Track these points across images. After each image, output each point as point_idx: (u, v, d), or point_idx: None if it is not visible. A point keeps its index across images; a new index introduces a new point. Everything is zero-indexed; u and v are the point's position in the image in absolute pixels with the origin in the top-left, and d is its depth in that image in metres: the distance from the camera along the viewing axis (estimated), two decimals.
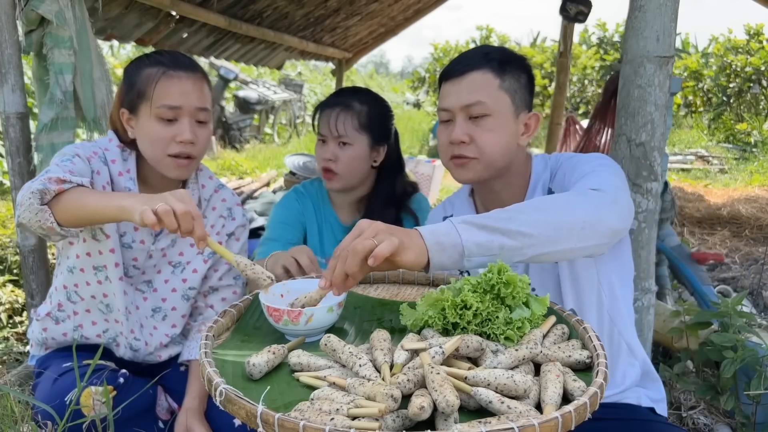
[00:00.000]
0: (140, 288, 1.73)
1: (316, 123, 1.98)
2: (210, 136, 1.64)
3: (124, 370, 1.63)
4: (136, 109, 1.57)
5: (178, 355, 1.81)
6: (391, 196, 2.03)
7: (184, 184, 1.74)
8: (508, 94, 1.44)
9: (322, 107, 1.96)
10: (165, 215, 1.18)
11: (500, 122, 1.43)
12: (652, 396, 1.50)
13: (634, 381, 1.49)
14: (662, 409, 1.50)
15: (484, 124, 1.43)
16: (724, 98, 10.98)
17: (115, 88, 2.10)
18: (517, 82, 1.45)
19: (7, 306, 2.85)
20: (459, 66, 1.45)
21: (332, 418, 0.83)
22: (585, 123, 4.68)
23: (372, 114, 1.93)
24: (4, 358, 2.53)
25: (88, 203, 1.33)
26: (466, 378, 0.92)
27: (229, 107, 10.26)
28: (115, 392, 1.52)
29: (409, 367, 0.96)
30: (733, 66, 10.80)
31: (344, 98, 1.93)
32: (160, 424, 1.66)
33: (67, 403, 1.48)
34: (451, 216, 1.54)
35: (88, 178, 1.48)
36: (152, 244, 1.68)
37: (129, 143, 1.65)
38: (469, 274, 1.37)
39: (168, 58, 1.59)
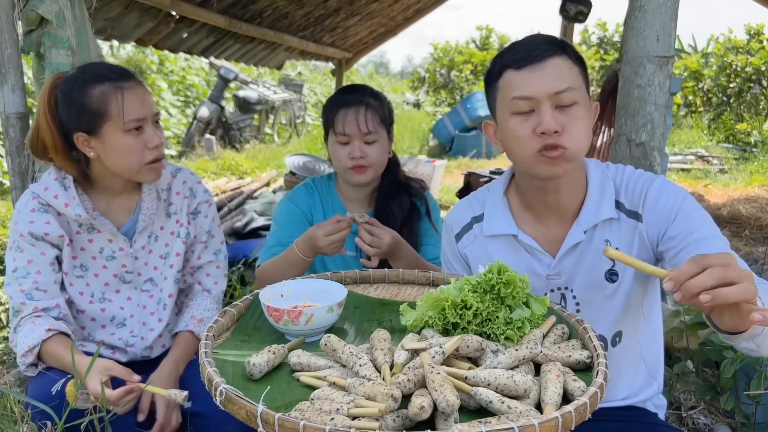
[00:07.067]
0: (145, 288, 1.80)
1: (332, 123, 1.95)
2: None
3: None
4: (98, 130, 1.58)
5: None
6: (399, 184, 2.08)
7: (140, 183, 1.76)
8: (585, 83, 1.35)
9: (338, 107, 1.94)
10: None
11: (584, 111, 1.32)
12: (656, 402, 1.50)
13: (647, 397, 1.48)
14: (660, 416, 1.50)
15: (573, 112, 1.28)
16: (724, 98, 10.98)
17: None
18: (585, 71, 1.36)
19: (7, 306, 2.85)
20: (537, 51, 1.31)
21: (332, 418, 0.83)
22: None
23: (385, 107, 2.01)
24: (4, 358, 2.53)
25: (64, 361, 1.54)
26: (466, 378, 0.92)
27: (229, 107, 10.26)
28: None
29: (409, 367, 0.96)
30: (733, 66, 10.80)
31: (360, 96, 1.96)
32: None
33: (53, 394, 1.53)
34: (481, 215, 1.47)
35: (49, 254, 1.63)
36: (130, 247, 1.74)
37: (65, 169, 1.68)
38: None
39: (107, 70, 1.61)
